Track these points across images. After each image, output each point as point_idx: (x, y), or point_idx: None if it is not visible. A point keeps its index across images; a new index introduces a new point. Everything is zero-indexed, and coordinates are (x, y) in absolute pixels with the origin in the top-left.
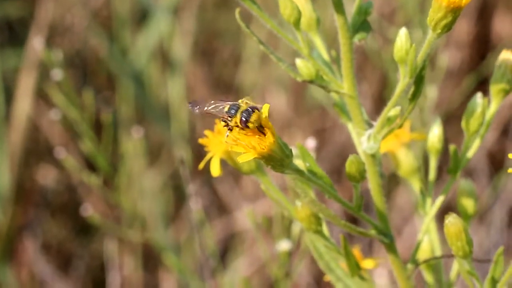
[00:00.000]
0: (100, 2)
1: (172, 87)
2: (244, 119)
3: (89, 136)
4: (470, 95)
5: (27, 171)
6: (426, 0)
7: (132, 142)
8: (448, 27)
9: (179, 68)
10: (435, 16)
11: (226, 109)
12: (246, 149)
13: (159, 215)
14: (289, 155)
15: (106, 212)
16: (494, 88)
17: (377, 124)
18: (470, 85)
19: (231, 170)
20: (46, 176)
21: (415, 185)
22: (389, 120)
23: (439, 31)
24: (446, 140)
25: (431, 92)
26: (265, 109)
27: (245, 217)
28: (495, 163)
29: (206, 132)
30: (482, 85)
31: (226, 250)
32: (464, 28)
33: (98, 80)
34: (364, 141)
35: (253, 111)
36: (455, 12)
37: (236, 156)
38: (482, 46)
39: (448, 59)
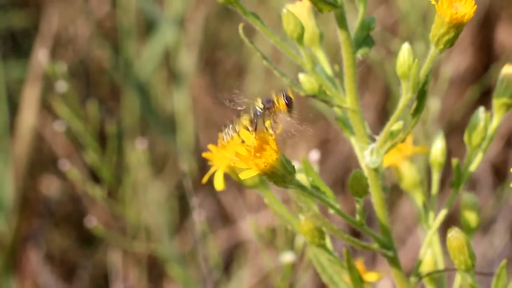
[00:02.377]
0: (104, 13)
1: (178, 98)
2: (287, 102)
3: (93, 147)
4: (473, 106)
5: (31, 181)
6: (428, 12)
7: (137, 153)
8: (451, 43)
9: (184, 79)
10: (438, 31)
11: (258, 102)
12: (249, 165)
13: (164, 225)
14: (292, 171)
15: (110, 222)
16: (497, 102)
17: (380, 138)
18: (473, 96)
19: (235, 180)
20: (50, 187)
21: (418, 198)
22: (392, 134)
23: (441, 46)
24: (448, 152)
25: (433, 104)
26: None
27: (249, 227)
28: (499, 173)
29: (210, 146)
30: (485, 96)
31: (229, 260)
32: (467, 37)
33: (102, 90)
34: (367, 155)
35: (290, 96)
36: (458, 27)
37: (239, 171)
38: (485, 55)
39: (450, 68)
